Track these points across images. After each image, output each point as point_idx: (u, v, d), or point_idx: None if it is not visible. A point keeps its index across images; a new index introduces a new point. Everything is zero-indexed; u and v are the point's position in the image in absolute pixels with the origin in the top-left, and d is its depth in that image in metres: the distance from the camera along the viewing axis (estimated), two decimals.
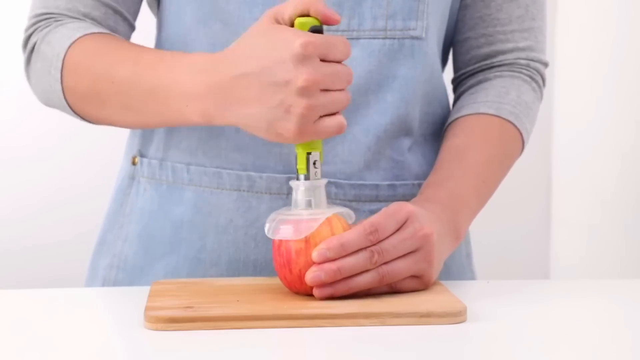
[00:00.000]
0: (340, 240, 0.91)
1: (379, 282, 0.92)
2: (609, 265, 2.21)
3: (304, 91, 0.90)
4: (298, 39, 0.90)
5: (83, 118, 1.09)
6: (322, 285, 0.91)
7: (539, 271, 2.46)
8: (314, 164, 0.94)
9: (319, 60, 0.91)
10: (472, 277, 1.20)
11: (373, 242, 0.91)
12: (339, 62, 0.92)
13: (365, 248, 0.91)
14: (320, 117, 0.92)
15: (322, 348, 0.83)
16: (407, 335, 0.86)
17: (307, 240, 0.92)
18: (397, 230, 0.93)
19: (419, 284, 0.95)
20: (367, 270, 0.92)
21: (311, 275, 0.90)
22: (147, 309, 0.88)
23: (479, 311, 0.92)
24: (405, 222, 0.94)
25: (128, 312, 0.92)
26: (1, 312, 0.95)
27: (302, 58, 0.90)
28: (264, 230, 1.06)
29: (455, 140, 1.10)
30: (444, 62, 1.19)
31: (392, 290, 0.94)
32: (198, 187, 1.08)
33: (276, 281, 0.98)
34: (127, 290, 1.03)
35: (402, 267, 0.93)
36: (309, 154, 0.94)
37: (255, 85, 0.92)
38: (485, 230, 1.97)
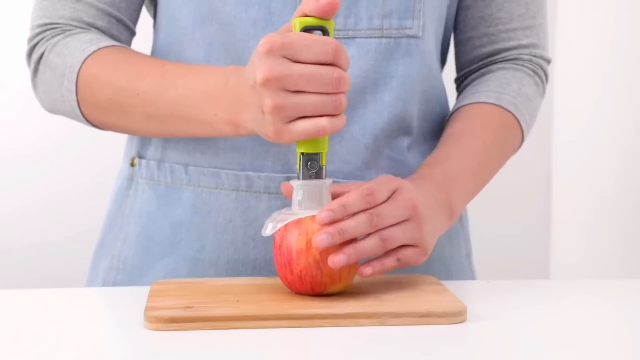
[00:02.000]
0: (342, 202, 0.92)
1: (382, 247, 0.93)
2: (609, 264, 2.21)
3: (262, 88, 0.89)
4: (265, 38, 0.90)
5: (96, 127, 1.10)
6: (336, 252, 0.91)
7: (539, 271, 2.46)
8: (308, 164, 0.94)
9: (280, 57, 0.89)
10: (472, 277, 1.20)
11: (371, 204, 0.93)
12: (322, 64, 0.89)
13: (364, 211, 0.93)
14: (299, 118, 0.90)
15: (322, 348, 0.83)
16: (407, 335, 0.86)
17: (308, 241, 0.92)
18: (389, 198, 0.95)
19: (419, 253, 0.96)
20: (369, 236, 0.93)
21: (319, 238, 0.91)
22: (147, 309, 0.88)
23: (479, 311, 0.92)
24: (394, 192, 0.96)
25: (128, 312, 0.92)
26: (1, 312, 0.95)
27: (262, 56, 0.89)
28: (262, 230, 1.06)
29: (454, 127, 1.11)
30: (442, 61, 1.20)
31: (399, 263, 0.95)
32: (196, 187, 1.09)
33: (276, 281, 0.98)
34: (127, 290, 1.03)
35: (398, 234, 0.94)
36: (302, 154, 0.94)
37: (244, 89, 0.93)
38: (485, 229, 1.97)
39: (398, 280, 1.01)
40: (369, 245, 0.93)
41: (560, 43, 2.30)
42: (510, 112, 1.12)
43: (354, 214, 0.93)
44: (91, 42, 1.07)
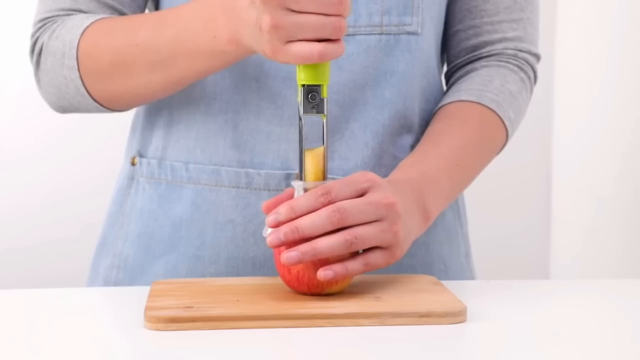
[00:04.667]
0: (290, 204, 0.90)
1: (346, 247, 0.89)
2: (609, 264, 2.21)
3: (263, 5, 0.88)
4: None
5: (103, 105, 1.08)
6: (286, 247, 0.89)
7: (539, 271, 2.46)
8: (309, 96, 0.91)
9: None
10: (472, 277, 1.20)
11: (324, 203, 0.90)
12: None
13: (326, 207, 0.89)
14: (299, 40, 0.89)
15: (322, 348, 0.83)
16: (407, 335, 0.86)
17: None
18: (359, 197, 0.92)
19: (388, 256, 0.93)
20: (332, 233, 0.90)
21: (270, 238, 0.89)
22: (147, 309, 0.88)
23: (479, 311, 0.92)
24: (367, 190, 0.93)
25: (128, 312, 0.92)
26: (1, 312, 0.95)
27: None
28: (262, 227, 1.06)
29: (433, 126, 1.10)
30: (442, 60, 1.20)
31: (365, 267, 0.92)
32: (197, 185, 1.09)
33: (276, 281, 0.98)
34: (127, 290, 1.03)
35: (368, 234, 0.90)
36: (302, 86, 0.91)
37: (243, 6, 0.92)
38: (485, 229, 1.97)
39: (398, 280, 1.01)
40: (331, 242, 0.89)
41: (560, 43, 2.30)
42: (491, 109, 1.10)
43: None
44: (88, 17, 1.07)
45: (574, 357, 0.82)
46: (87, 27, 1.05)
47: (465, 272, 1.18)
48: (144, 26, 1.03)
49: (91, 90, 1.07)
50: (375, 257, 0.92)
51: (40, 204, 2.34)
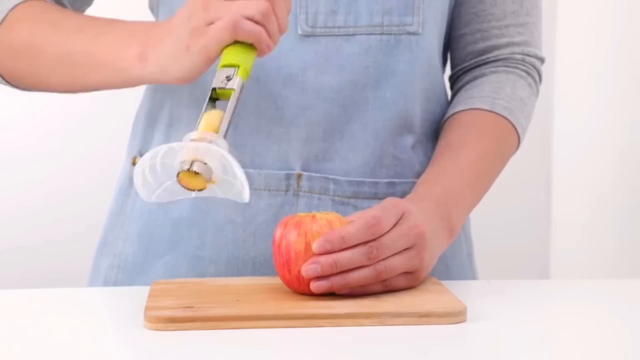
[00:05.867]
0: (341, 233, 0.91)
1: (375, 278, 0.92)
2: (609, 263, 2.21)
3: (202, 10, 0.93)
4: None
5: (5, 79, 1.09)
6: (319, 278, 0.91)
7: (539, 271, 2.46)
8: (227, 78, 0.93)
9: None
10: (474, 277, 1.20)
11: (374, 235, 0.91)
12: None
13: (364, 243, 0.91)
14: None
15: (322, 348, 0.83)
16: (407, 335, 0.86)
17: (307, 242, 0.92)
18: (395, 224, 0.93)
19: (411, 280, 0.95)
20: (364, 266, 0.91)
21: (307, 268, 0.90)
22: (147, 309, 0.88)
23: (479, 311, 0.92)
24: (401, 217, 0.94)
25: (128, 312, 0.92)
26: (1, 312, 0.95)
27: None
28: (262, 227, 1.06)
29: (449, 137, 1.10)
30: (445, 60, 1.20)
31: (385, 288, 0.94)
32: None
33: (276, 280, 0.98)
34: (127, 290, 1.03)
35: (397, 264, 0.93)
36: (222, 66, 0.93)
37: (178, 24, 0.95)
38: (485, 229, 1.97)
39: None
40: (361, 276, 0.91)
41: (560, 43, 2.30)
42: (505, 117, 1.11)
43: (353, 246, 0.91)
44: None
45: (574, 357, 0.82)
46: (18, 5, 1.06)
47: (467, 273, 1.18)
48: (72, 20, 1.04)
49: (2, 64, 1.07)
50: (398, 281, 0.94)
51: (41, 204, 2.34)
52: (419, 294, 0.95)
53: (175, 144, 0.88)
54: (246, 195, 0.88)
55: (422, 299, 0.93)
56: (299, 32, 1.06)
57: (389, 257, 0.93)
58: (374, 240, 0.91)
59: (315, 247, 0.90)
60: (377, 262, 0.92)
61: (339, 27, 1.06)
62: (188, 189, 0.90)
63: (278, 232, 0.94)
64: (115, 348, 0.84)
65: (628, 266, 2.17)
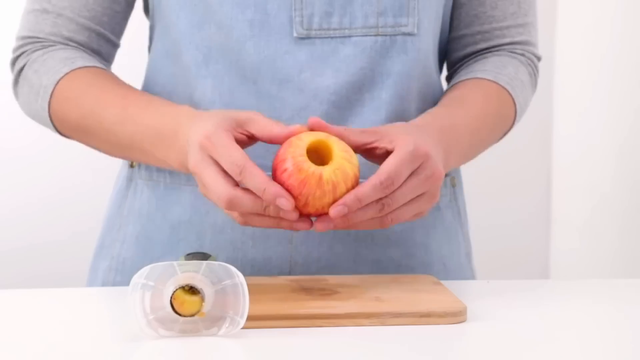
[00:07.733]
0: (357, 194, 0.91)
1: (380, 226, 0.94)
2: (609, 263, 2.21)
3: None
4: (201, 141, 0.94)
5: (68, 138, 1.14)
6: (322, 220, 0.92)
7: (539, 271, 2.46)
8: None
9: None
10: (472, 276, 1.20)
11: (387, 193, 0.92)
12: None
13: (377, 200, 0.92)
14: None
15: (322, 348, 0.83)
16: (407, 335, 0.86)
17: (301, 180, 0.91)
18: (410, 175, 0.93)
19: (416, 217, 0.97)
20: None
21: (321, 226, 0.91)
22: None
23: (479, 311, 0.92)
24: (419, 166, 0.94)
25: (128, 312, 0.92)
26: (1, 312, 0.95)
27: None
28: (261, 229, 1.06)
29: (454, 92, 1.12)
30: (441, 61, 1.20)
31: (389, 226, 0.95)
32: (195, 187, 1.08)
33: (276, 281, 0.98)
34: (127, 291, 1.03)
35: (406, 213, 0.94)
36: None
37: (190, 148, 0.96)
38: (485, 229, 1.97)
39: (398, 280, 1.01)
40: (367, 226, 0.93)
41: (559, 43, 2.30)
42: (507, 90, 1.13)
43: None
44: (66, 61, 1.09)
45: (574, 357, 0.82)
46: (64, 76, 1.08)
47: (465, 272, 1.18)
48: (110, 109, 1.06)
49: (60, 129, 1.12)
50: (402, 219, 0.95)
51: (40, 204, 2.34)
52: (418, 294, 0.95)
53: None
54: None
55: (422, 299, 0.93)
56: (295, 34, 1.06)
57: (398, 208, 0.93)
58: (386, 197, 0.92)
59: (333, 212, 0.90)
60: (387, 213, 0.93)
61: (334, 29, 1.06)
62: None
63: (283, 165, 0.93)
64: (114, 348, 0.84)
65: (628, 266, 2.17)
